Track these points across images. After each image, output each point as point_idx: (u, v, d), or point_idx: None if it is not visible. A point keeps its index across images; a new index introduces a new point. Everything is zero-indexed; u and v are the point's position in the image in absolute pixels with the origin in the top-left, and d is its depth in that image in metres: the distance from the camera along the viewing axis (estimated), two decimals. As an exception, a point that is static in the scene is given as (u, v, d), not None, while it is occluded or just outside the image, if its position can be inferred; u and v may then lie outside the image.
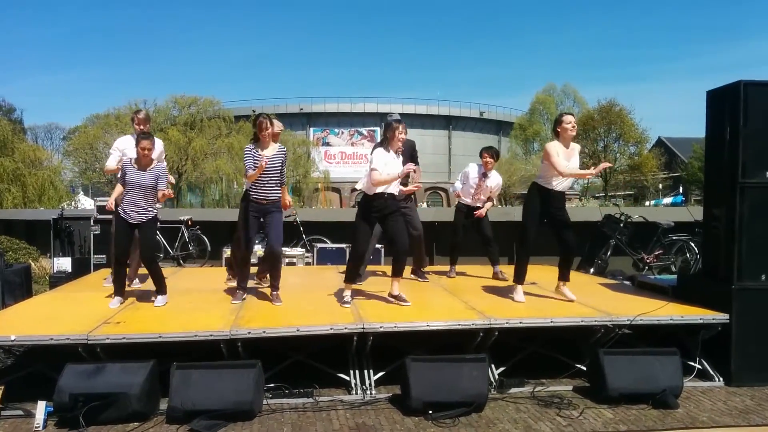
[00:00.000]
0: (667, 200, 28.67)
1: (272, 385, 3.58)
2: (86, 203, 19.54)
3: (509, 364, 3.91)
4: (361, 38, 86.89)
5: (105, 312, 4.02)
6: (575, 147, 4.40)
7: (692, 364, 3.96)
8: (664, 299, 4.43)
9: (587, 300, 4.43)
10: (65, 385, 3.16)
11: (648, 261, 7.39)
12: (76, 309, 4.22)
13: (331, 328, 3.64)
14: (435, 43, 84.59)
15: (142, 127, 4.85)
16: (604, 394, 3.53)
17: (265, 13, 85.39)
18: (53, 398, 3.15)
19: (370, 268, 5.61)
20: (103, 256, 6.87)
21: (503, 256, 7.87)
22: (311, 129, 41.10)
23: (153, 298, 4.34)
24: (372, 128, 41.51)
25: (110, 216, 4.69)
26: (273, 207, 4.33)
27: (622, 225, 7.52)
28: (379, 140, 4.53)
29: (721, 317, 3.90)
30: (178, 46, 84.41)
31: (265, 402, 3.44)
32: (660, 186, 34.29)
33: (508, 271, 5.85)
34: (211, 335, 3.52)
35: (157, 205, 4.40)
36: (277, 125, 4.60)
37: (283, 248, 7.12)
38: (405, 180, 4.64)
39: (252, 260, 5.06)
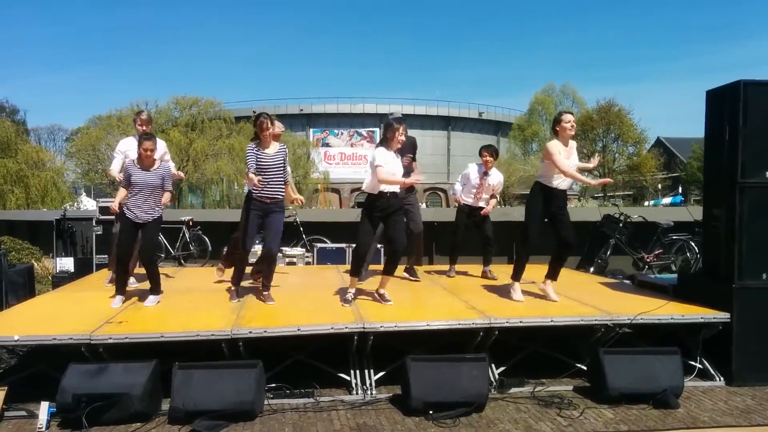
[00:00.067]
0: (667, 200, 28.66)
1: (273, 385, 3.59)
2: (89, 204, 19.61)
3: (509, 364, 3.92)
4: (361, 38, 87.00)
5: (107, 312, 4.04)
6: (573, 144, 4.41)
7: (693, 363, 3.97)
8: (664, 298, 4.43)
9: (587, 299, 4.44)
10: (68, 386, 3.17)
11: (648, 260, 7.40)
12: (79, 309, 4.23)
13: (332, 328, 3.65)
14: (434, 43, 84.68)
15: (144, 128, 4.87)
16: (605, 393, 3.54)
17: (265, 13, 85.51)
18: (56, 399, 3.16)
19: (370, 267, 5.62)
20: (105, 256, 6.89)
21: (503, 256, 7.90)
22: (311, 130, 41.10)
23: (141, 298, 4.37)
24: (371, 129, 41.52)
25: (112, 217, 4.71)
26: (276, 207, 4.35)
27: (621, 225, 7.54)
28: (378, 141, 4.55)
29: (722, 316, 3.90)
30: (179, 45, 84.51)
31: (266, 402, 3.45)
32: (659, 186, 34.27)
33: (506, 270, 5.87)
34: (212, 335, 3.53)
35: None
36: (278, 126, 4.62)
37: (284, 248, 7.18)
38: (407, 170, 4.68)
39: (251, 259, 5.08)
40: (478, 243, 5.74)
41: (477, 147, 5.82)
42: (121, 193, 4.45)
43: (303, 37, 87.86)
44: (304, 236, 8.30)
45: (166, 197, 4.41)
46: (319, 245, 7.78)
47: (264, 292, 4.39)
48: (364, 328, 3.66)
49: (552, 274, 4.48)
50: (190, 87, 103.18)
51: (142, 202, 4.24)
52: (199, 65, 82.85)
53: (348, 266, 6.98)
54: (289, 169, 4.61)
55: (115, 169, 4.99)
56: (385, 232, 4.33)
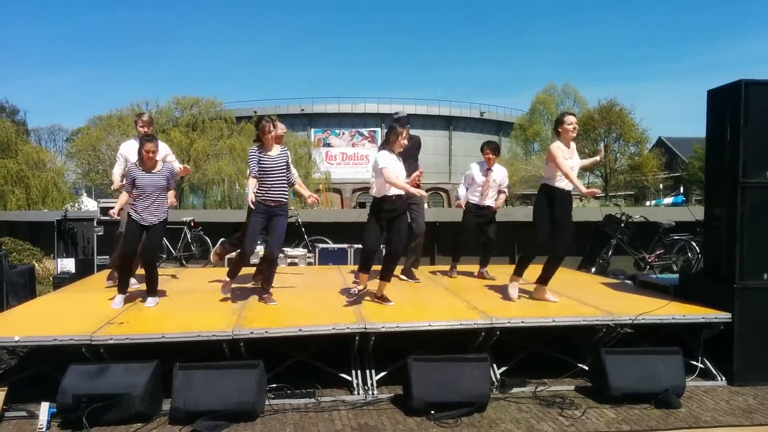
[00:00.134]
0: (668, 200, 28.66)
1: (274, 385, 3.59)
2: (89, 205, 19.65)
3: (511, 364, 3.91)
4: (361, 38, 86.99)
5: (108, 312, 4.04)
6: (573, 144, 4.41)
7: (695, 363, 3.96)
8: (666, 298, 4.42)
9: (589, 299, 4.43)
10: (68, 386, 3.17)
11: (649, 260, 7.39)
12: (80, 310, 4.23)
13: (333, 328, 3.65)
14: (435, 42, 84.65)
15: (145, 129, 4.87)
16: (607, 393, 3.53)
17: (266, 13, 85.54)
18: (56, 399, 3.16)
19: (372, 268, 5.61)
20: (107, 257, 6.89)
21: (504, 257, 7.90)
22: (312, 130, 41.13)
23: (143, 299, 4.36)
24: (373, 129, 41.54)
25: (117, 218, 4.71)
26: (280, 210, 4.36)
27: (623, 225, 7.53)
28: (381, 143, 4.55)
29: (724, 316, 3.90)
30: (179, 45, 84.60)
31: (267, 402, 3.45)
32: (660, 186, 34.24)
33: (506, 270, 5.86)
34: (213, 335, 3.53)
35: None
36: (281, 128, 4.62)
37: (285, 248, 7.18)
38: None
39: (253, 260, 5.07)
40: (479, 243, 5.73)
41: (479, 147, 5.80)
42: (123, 197, 4.46)
43: (303, 37, 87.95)
44: (305, 237, 8.30)
45: (171, 195, 4.43)
46: (321, 246, 7.79)
47: (264, 294, 4.39)
48: (365, 328, 3.66)
49: (545, 279, 4.42)
50: (191, 87, 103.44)
51: (148, 204, 4.25)
52: (200, 65, 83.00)
53: (349, 266, 7.00)
54: (294, 169, 4.60)
55: (116, 174, 5.01)
56: (388, 236, 4.33)
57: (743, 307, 3.89)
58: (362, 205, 30.89)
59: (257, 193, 4.29)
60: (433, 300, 4.63)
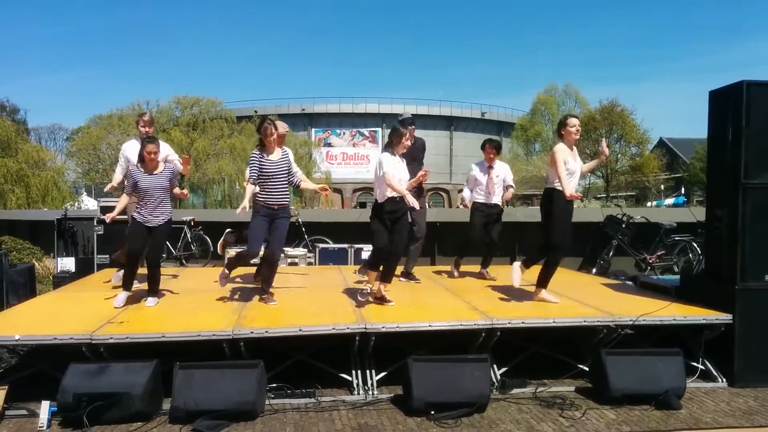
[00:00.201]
0: (669, 201, 28.66)
1: (274, 385, 3.59)
2: (89, 204, 19.66)
3: (511, 365, 3.91)
4: (362, 37, 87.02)
5: (108, 312, 4.04)
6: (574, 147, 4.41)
7: (695, 364, 3.95)
8: (666, 299, 4.42)
9: (589, 300, 4.43)
10: (69, 385, 3.17)
11: (650, 261, 7.38)
12: (80, 309, 4.24)
13: (334, 328, 3.64)
14: (436, 42, 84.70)
15: (146, 129, 4.87)
16: (607, 394, 3.53)
17: (266, 13, 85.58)
18: (57, 398, 3.16)
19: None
20: (107, 256, 6.90)
21: (505, 257, 7.89)
22: (313, 130, 41.15)
23: (144, 298, 4.36)
24: (373, 129, 41.55)
25: (122, 217, 4.71)
26: (283, 212, 4.37)
27: (624, 226, 7.52)
28: (384, 145, 4.54)
29: (725, 317, 3.89)
30: (179, 45, 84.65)
31: (267, 402, 3.45)
32: (662, 187, 34.23)
33: (506, 271, 5.85)
34: (213, 335, 3.53)
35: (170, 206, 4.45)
36: (282, 127, 4.62)
37: (286, 248, 7.17)
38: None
39: (254, 260, 5.06)
40: (483, 243, 5.71)
41: (479, 147, 5.79)
42: (124, 200, 4.46)
43: (303, 37, 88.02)
44: (306, 236, 8.30)
45: (178, 190, 4.43)
46: (321, 245, 7.78)
47: (264, 295, 4.39)
48: (365, 328, 3.65)
49: (544, 282, 4.40)
50: (192, 86, 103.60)
51: (152, 205, 4.25)
52: (200, 65, 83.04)
53: (350, 266, 7.00)
54: (296, 168, 4.58)
55: (117, 175, 5.01)
56: (389, 236, 4.33)
57: (744, 308, 3.88)
58: (363, 205, 30.89)
59: (259, 196, 4.29)
60: (433, 300, 4.62)
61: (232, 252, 6.25)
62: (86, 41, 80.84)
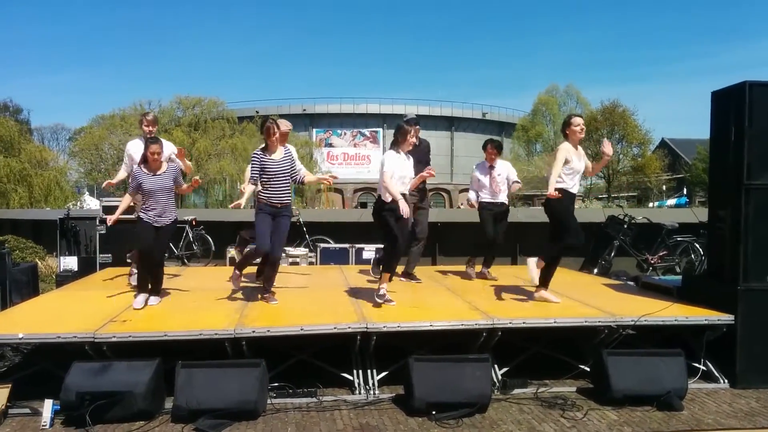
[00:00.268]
0: (671, 202, 28.61)
1: (276, 384, 3.60)
2: (92, 203, 19.69)
3: (512, 365, 3.91)
4: (362, 38, 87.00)
5: (111, 310, 4.05)
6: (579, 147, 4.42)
7: (697, 365, 3.95)
8: (668, 300, 4.42)
9: (591, 300, 4.43)
10: (72, 384, 3.18)
11: (652, 262, 7.37)
12: (83, 307, 4.25)
13: (335, 328, 3.65)
14: (437, 43, 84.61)
15: (150, 128, 4.88)
16: (608, 395, 3.53)
17: (266, 13, 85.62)
18: (60, 396, 3.18)
19: (369, 267, 5.62)
20: (109, 255, 6.92)
21: (506, 257, 7.90)
22: (314, 130, 41.14)
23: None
24: (374, 129, 41.54)
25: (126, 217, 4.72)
26: (285, 211, 4.39)
27: (625, 226, 7.52)
28: (391, 143, 4.55)
29: (727, 318, 3.89)
30: (181, 45, 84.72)
31: (269, 401, 3.45)
32: (663, 187, 34.18)
33: (507, 271, 5.86)
34: (215, 334, 3.54)
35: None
36: (285, 125, 4.62)
37: (287, 248, 7.18)
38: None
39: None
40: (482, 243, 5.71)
41: (480, 147, 5.79)
42: (126, 200, 4.47)
43: (304, 37, 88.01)
44: (307, 236, 8.31)
45: (185, 188, 4.43)
46: (323, 245, 7.80)
47: (265, 294, 4.40)
48: (367, 328, 3.66)
49: (546, 282, 4.40)
50: (193, 87, 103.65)
51: (158, 205, 4.27)
52: (201, 65, 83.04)
53: (351, 266, 7.01)
54: (300, 165, 4.57)
55: (119, 176, 5.03)
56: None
57: (747, 309, 3.88)
58: (363, 206, 30.88)
59: (262, 194, 4.30)
60: (434, 300, 4.63)
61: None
62: (87, 41, 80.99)
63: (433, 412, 3.30)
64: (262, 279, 4.97)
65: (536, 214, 8.77)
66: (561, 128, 4.55)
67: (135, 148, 4.97)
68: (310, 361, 3.85)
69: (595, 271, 7.24)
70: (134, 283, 4.99)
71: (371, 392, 3.65)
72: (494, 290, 4.96)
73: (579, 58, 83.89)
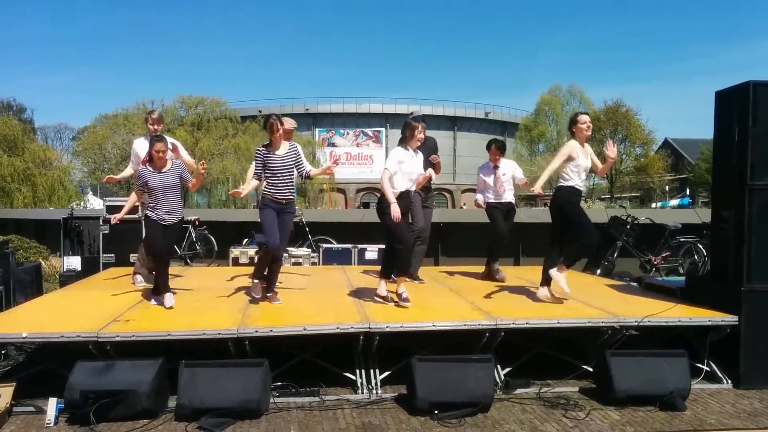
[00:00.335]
0: (674, 202, 28.54)
1: (279, 383, 3.61)
2: (95, 203, 19.76)
3: (515, 365, 3.91)
4: (364, 38, 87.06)
5: (115, 310, 4.06)
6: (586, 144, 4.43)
7: (700, 366, 3.94)
8: (672, 301, 4.41)
9: (594, 301, 4.42)
10: (76, 383, 3.19)
11: (655, 263, 7.35)
12: (86, 307, 4.27)
13: (338, 328, 3.66)
14: (438, 43, 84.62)
15: (155, 127, 4.91)
16: (611, 395, 3.52)
17: (266, 13, 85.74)
18: (64, 395, 3.19)
19: (374, 267, 5.62)
20: (113, 255, 6.95)
21: (509, 257, 7.89)
22: (316, 129, 41.19)
23: (150, 296, 4.38)
24: (377, 129, 41.55)
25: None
26: (288, 207, 4.41)
27: (628, 227, 7.50)
28: (399, 140, 4.54)
29: (730, 319, 3.88)
30: (183, 45, 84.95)
31: (272, 400, 3.46)
32: (666, 188, 34.09)
33: (508, 271, 5.84)
34: (219, 333, 3.55)
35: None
36: (289, 122, 4.63)
37: (289, 248, 7.19)
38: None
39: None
40: (486, 242, 5.70)
41: (483, 147, 5.79)
42: (131, 200, 4.48)
43: (304, 37, 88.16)
44: (309, 236, 8.32)
45: (194, 183, 4.44)
46: (325, 245, 7.80)
47: (268, 293, 4.40)
48: (369, 328, 3.66)
49: (548, 280, 4.40)
50: (196, 86, 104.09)
51: (165, 204, 4.28)
52: (203, 65, 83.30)
53: (354, 266, 7.01)
54: (305, 161, 4.58)
55: (124, 174, 5.05)
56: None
57: (750, 310, 3.86)
58: (366, 206, 30.88)
59: (266, 190, 4.32)
60: (437, 300, 4.63)
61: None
62: (89, 41, 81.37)
63: (436, 412, 3.30)
64: (258, 278, 4.98)
65: (539, 214, 8.76)
66: (567, 126, 4.57)
67: (141, 146, 5.00)
68: (312, 361, 3.85)
69: (598, 271, 7.23)
70: (137, 283, 5.01)
71: (374, 392, 3.65)
72: (497, 290, 4.95)
73: (580, 58, 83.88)
